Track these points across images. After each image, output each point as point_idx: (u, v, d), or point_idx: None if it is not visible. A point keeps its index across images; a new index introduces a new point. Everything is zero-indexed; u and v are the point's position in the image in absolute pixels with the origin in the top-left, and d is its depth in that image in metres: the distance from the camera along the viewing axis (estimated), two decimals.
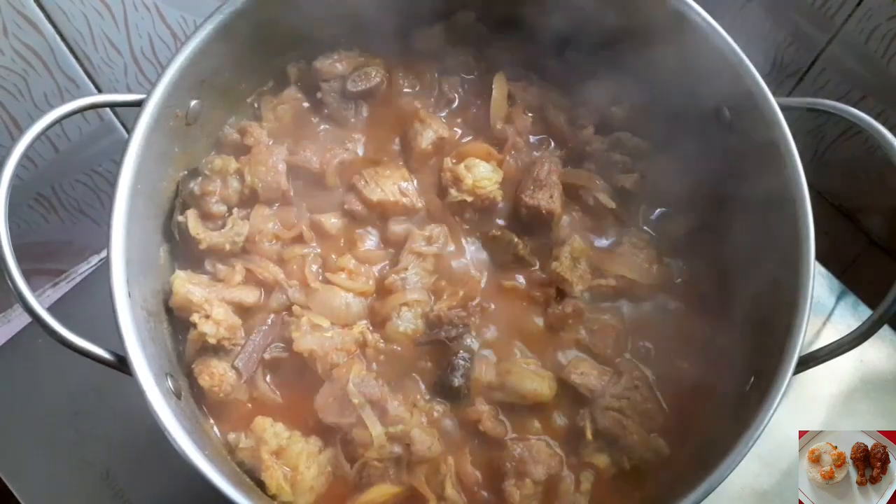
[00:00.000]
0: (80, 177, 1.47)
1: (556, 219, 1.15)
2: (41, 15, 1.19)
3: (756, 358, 0.98)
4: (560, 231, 1.16)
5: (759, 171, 1.04)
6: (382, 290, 1.12)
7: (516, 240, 1.15)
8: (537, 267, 1.15)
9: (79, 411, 1.23)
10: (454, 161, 1.18)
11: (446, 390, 1.06)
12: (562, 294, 1.12)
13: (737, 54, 1.03)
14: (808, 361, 0.93)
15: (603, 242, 1.17)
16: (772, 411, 0.88)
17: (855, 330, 0.93)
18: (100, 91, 1.35)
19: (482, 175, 1.15)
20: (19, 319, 1.45)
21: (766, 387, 0.90)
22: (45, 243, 1.55)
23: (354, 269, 1.12)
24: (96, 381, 1.20)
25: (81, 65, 1.30)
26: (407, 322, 1.09)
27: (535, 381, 1.05)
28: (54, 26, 1.22)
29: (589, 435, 1.03)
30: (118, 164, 0.96)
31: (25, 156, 1.12)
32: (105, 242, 0.93)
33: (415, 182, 1.19)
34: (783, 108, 1.00)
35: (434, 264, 1.14)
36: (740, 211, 1.10)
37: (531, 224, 1.16)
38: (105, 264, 0.92)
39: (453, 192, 1.15)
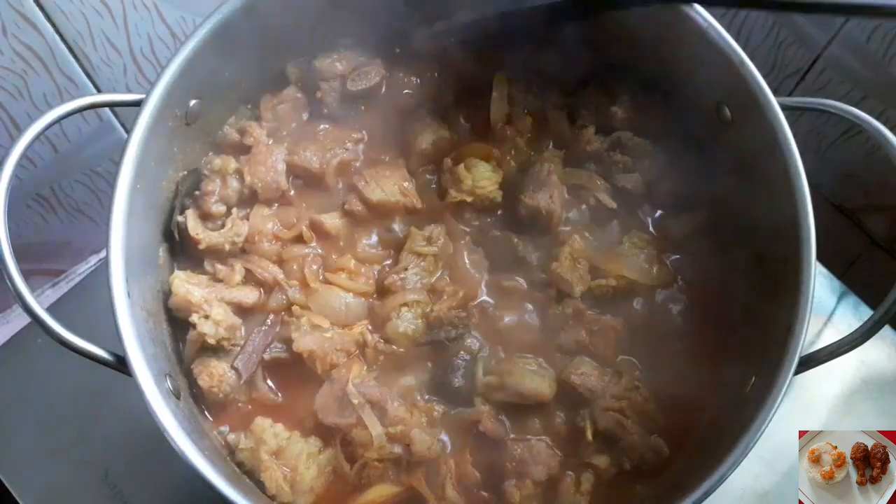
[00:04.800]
0: (80, 177, 1.48)
1: (555, 219, 1.15)
2: (40, 15, 1.19)
3: (757, 359, 0.98)
4: (560, 231, 1.16)
5: (761, 171, 1.04)
6: (382, 290, 1.11)
7: (516, 240, 1.15)
8: (537, 267, 1.15)
9: (78, 411, 1.23)
10: (453, 161, 1.18)
11: (447, 391, 1.06)
12: (562, 295, 1.12)
13: (738, 54, 1.03)
14: (808, 362, 0.93)
15: (603, 243, 1.17)
16: (772, 412, 0.88)
17: (856, 330, 0.93)
18: (99, 91, 1.35)
19: (482, 175, 1.15)
20: (19, 319, 1.44)
21: (766, 388, 0.90)
22: (44, 243, 1.55)
23: (354, 269, 1.12)
24: (96, 382, 1.19)
25: (81, 65, 1.30)
26: (407, 322, 1.09)
27: (536, 381, 1.05)
28: (53, 26, 1.22)
29: (589, 436, 1.03)
30: (117, 164, 0.96)
31: (24, 156, 1.11)
32: (104, 242, 0.92)
33: (415, 182, 1.19)
34: (784, 108, 1.00)
35: (434, 264, 1.13)
36: (741, 211, 1.10)
37: (531, 224, 1.16)
38: (104, 264, 0.92)
39: (453, 192, 1.15)
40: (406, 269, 1.11)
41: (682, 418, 1.05)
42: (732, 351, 1.06)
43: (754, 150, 1.04)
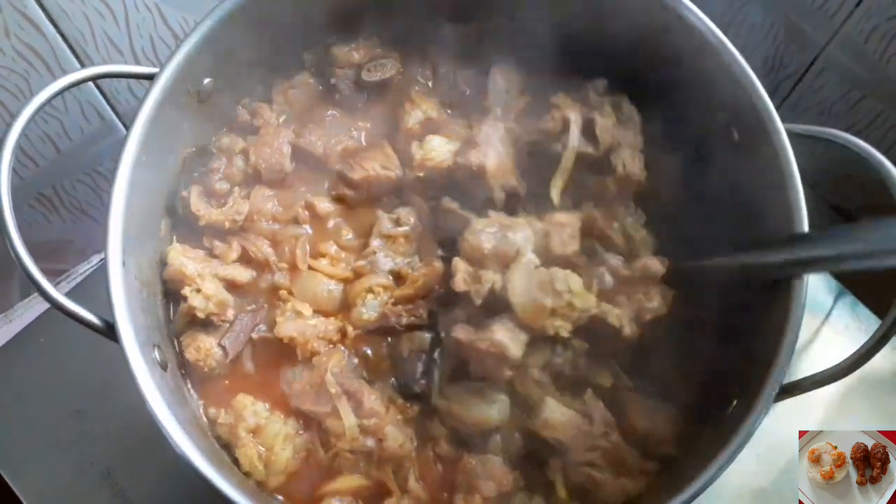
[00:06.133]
0: (82, 177, 1.48)
1: (487, 175, 1.07)
2: (42, 15, 1.19)
3: (739, 380, 0.96)
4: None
5: (760, 176, 1.03)
6: (355, 275, 1.11)
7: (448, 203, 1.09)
8: None
9: (79, 410, 1.23)
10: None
11: (409, 394, 1.04)
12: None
13: (748, 76, 1.02)
14: (791, 390, 0.91)
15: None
16: (746, 440, 0.86)
17: (836, 365, 0.92)
18: (100, 91, 1.36)
19: (431, 147, 1.12)
20: (20, 319, 1.45)
21: (744, 414, 0.88)
22: (46, 243, 1.55)
23: (335, 255, 1.12)
24: (96, 381, 1.20)
25: (83, 65, 1.30)
26: (372, 310, 1.07)
27: (482, 409, 1.00)
28: (55, 26, 1.22)
29: (562, 493, 0.99)
30: (126, 133, 0.95)
31: (27, 156, 1.11)
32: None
33: (397, 159, 1.16)
34: (790, 135, 0.99)
35: (405, 246, 1.12)
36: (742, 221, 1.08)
37: (463, 184, 1.10)
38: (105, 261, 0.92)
39: (407, 171, 1.13)
40: (375, 253, 1.10)
41: (659, 445, 1.02)
42: (716, 373, 1.04)
43: (758, 173, 1.03)
